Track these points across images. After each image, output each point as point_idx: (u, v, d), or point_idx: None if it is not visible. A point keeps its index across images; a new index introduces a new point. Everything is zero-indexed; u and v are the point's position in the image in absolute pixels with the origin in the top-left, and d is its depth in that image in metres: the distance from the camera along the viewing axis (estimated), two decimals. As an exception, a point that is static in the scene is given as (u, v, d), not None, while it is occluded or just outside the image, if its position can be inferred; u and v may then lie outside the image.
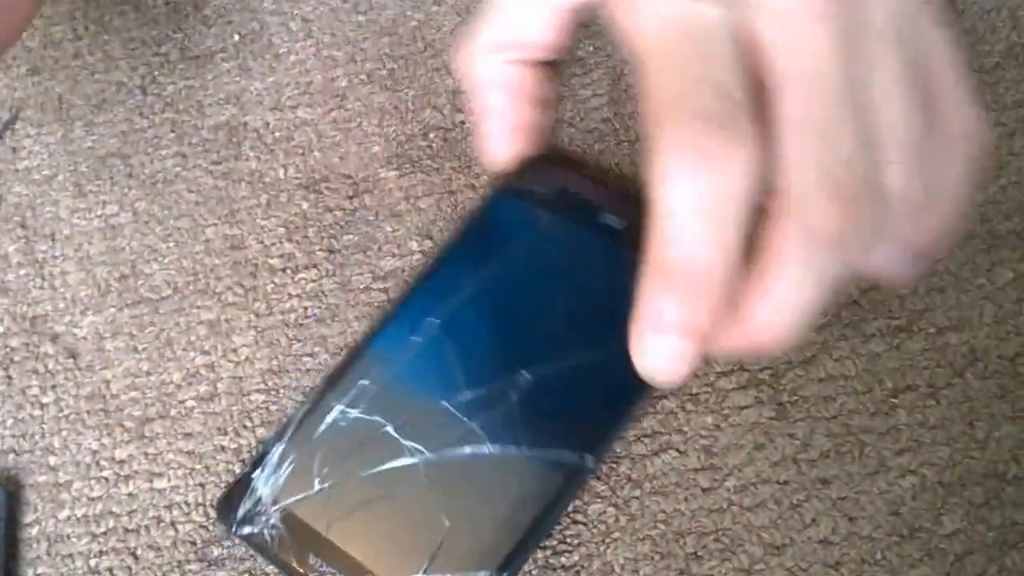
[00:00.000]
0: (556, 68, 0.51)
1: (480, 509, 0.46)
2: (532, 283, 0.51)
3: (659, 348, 0.38)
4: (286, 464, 0.48)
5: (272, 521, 0.46)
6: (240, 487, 0.48)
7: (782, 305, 0.38)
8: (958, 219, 0.42)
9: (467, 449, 0.47)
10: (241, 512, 0.47)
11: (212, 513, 0.50)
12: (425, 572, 0.44)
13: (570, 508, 0.48)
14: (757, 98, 0.37)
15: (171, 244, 0.58)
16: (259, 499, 0.47)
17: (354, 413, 0.48)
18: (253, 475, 0.47)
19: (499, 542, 0.45)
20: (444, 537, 0.45)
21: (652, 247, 0.37)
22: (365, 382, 0.49)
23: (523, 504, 0.45)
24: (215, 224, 0.59)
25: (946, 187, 0.41)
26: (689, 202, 0.36)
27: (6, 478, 0.54)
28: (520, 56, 0.49)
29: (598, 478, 0.48)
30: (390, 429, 0.47)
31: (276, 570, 0.48)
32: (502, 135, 0.51)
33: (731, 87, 0.35)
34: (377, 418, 0.48)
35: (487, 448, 0.46)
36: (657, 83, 0.37)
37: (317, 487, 0.47)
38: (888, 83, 0.38)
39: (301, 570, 0.45)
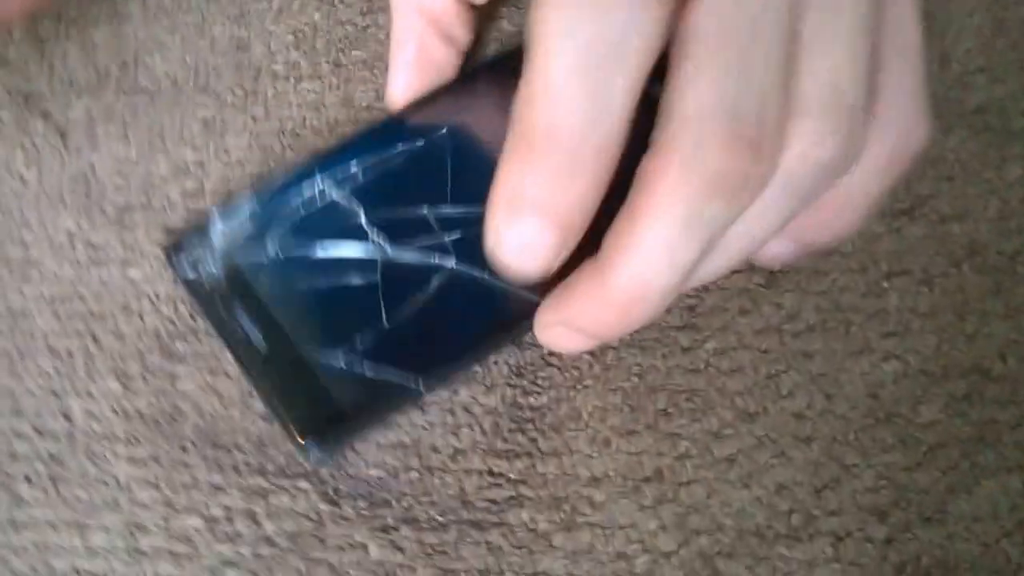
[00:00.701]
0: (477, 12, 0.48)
1: (424, 318, 0.44)
2: None
3: (514, 235, 0.33)
4: (249, 222, 0.45)
5: (215, 270, 0.44)
6: (197, 230, 0.46)
7: (651, 258, 0.33)
8: (862, 222, 0.38)
9: (431, 259, 0.44)
10: (190, 252, 0.46)
11: (181, 306, 0.47)
12: (345, 358, 0.42)
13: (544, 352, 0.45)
14: None
15: (176, 38, 0.56)
16: (211, 246, 0.45)
17: (332, 195, 0.46)
18: (214, 220, 0.45)
19: (433, 353, 0.43)
20: (378, 334, 0.43)
21: (519, 108, 0.32)
22: (354, 169, 0.46)
23: (467, 324, 0.43)
24: (223, 23, 0.56)
25: (859, 185, 0.36)
26: (570, 50, 0.30)
27: None
28: None
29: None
30: (362, 219, 0.45)
31: (208, 324, 0.47)
32: (403, 68, 0.48)
33: None
34: (353, 206, 0.45)
35: (451, 263, 0.44)
36: None
37: (271, 253, 0.45)
38: (832, 32, 0.33)
39: (225, 323, 0.44)
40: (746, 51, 0.32)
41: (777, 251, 0.39)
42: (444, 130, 0.47)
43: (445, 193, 0.46)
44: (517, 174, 0.32)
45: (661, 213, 0.32)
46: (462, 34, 0.48)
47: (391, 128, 0.49)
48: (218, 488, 0.44)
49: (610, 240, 0.34)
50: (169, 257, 0.47)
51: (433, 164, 0.47)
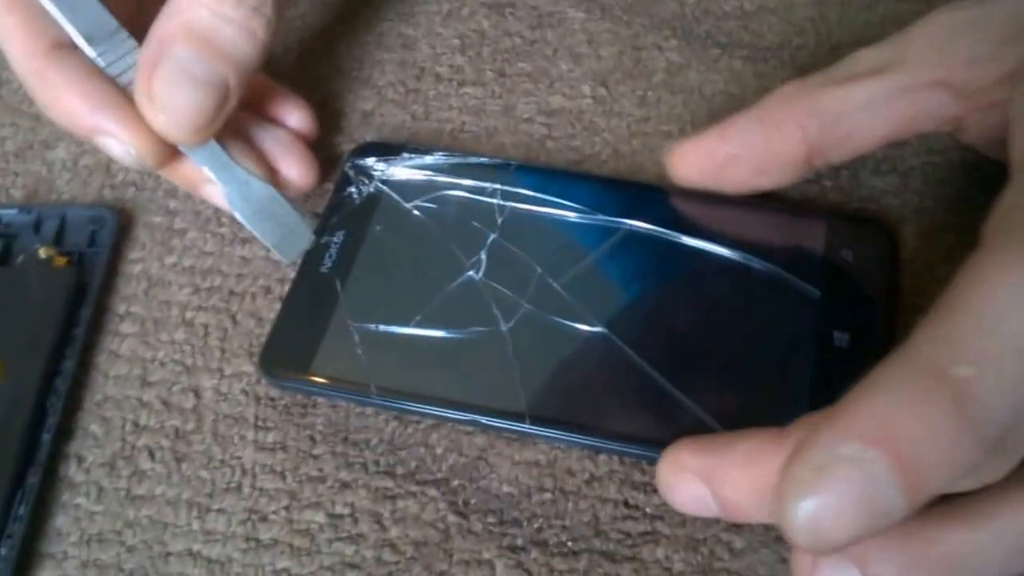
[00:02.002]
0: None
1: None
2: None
3: (858, 472, 0.27)
4: (419, 174, 0.47)
5: (362, 187, 0.47)
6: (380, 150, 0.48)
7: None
8: None
9: (512, 313, 0.43)
10: (360, 157, 0.47)
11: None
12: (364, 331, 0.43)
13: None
14: None
15: (342, 28, 0.52)
16: (372, 169, 0.47)
17: (490, 203, 0.46)
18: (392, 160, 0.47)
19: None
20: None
21: (939, 347, 0.28)
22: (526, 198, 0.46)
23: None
24: (391, 20, 0.53)
25: None
26: (1013, 326, 0.27)
27: (120, 210, 0.48)
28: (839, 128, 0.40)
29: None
30: (488, 241, 0.45)
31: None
32: (709, 158, 0.42)
33: None
34: (489, 226, 0.45)
35: (505, 327, 0.42)
36: None
37: (406, 209, 0.46)
38: None
39: (325, 234, 0.46)
40: None
41: None
42: (638, 230, 0.45)
43: (570, 272, 0.44)
44: (890, 405, 0.27)
45: None
46: (770, 178, 0.43)
47: (616, 191, 0.46)
48: (345, 485, 0.41)
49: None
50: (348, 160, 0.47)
51: (586, 244, 0.45)
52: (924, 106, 0.39)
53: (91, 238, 0.47)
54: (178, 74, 0.39)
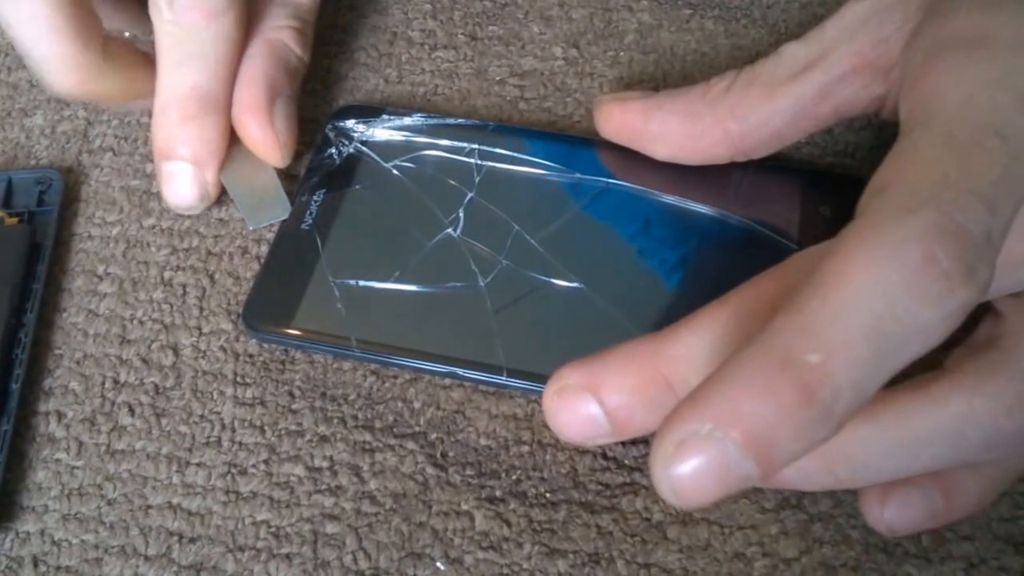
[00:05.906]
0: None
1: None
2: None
3: (711, 451, 0.27)
4: (397, 134, 0.46)
5: (341, 148, 0.46)
6: (362, 112, 0.47)
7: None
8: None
9: (494, 265, 0.42)
10: (344, 116, 0.46)
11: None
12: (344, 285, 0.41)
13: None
14: None
15: (314, -5, 0.50)
16: (352, 129, 0.46)
17: (470, 162, 0.45)
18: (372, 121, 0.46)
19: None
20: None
21: (786, 329, 0.28)
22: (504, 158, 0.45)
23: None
24: (361, -15, 0.51)
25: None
26: (868, 312, 0.27)
27: (68, 169, 0.48)
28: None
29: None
30: (466, 198, 0.44)
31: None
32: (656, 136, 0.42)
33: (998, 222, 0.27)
34: (469, 185, 0.44)
35: (482, 280, 0.42)
36: (924, 156, 0.29)
37: (384, 167, 0.45)
38: None
39: (303, 192, 0.45)
40: None
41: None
42: (606, 187, 0.44)
43: (547, 228, 0.43)
44: (742, 390, 0.27)
45: None
46: (688, 162, 0.43)
47: (583, 149, 0.45)
48: (324, 439, 0.39)
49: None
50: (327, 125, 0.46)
51: (565, 199, 0.44)
52: (846, 97, 0.39)
53: (39, 198, 0.46)
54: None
